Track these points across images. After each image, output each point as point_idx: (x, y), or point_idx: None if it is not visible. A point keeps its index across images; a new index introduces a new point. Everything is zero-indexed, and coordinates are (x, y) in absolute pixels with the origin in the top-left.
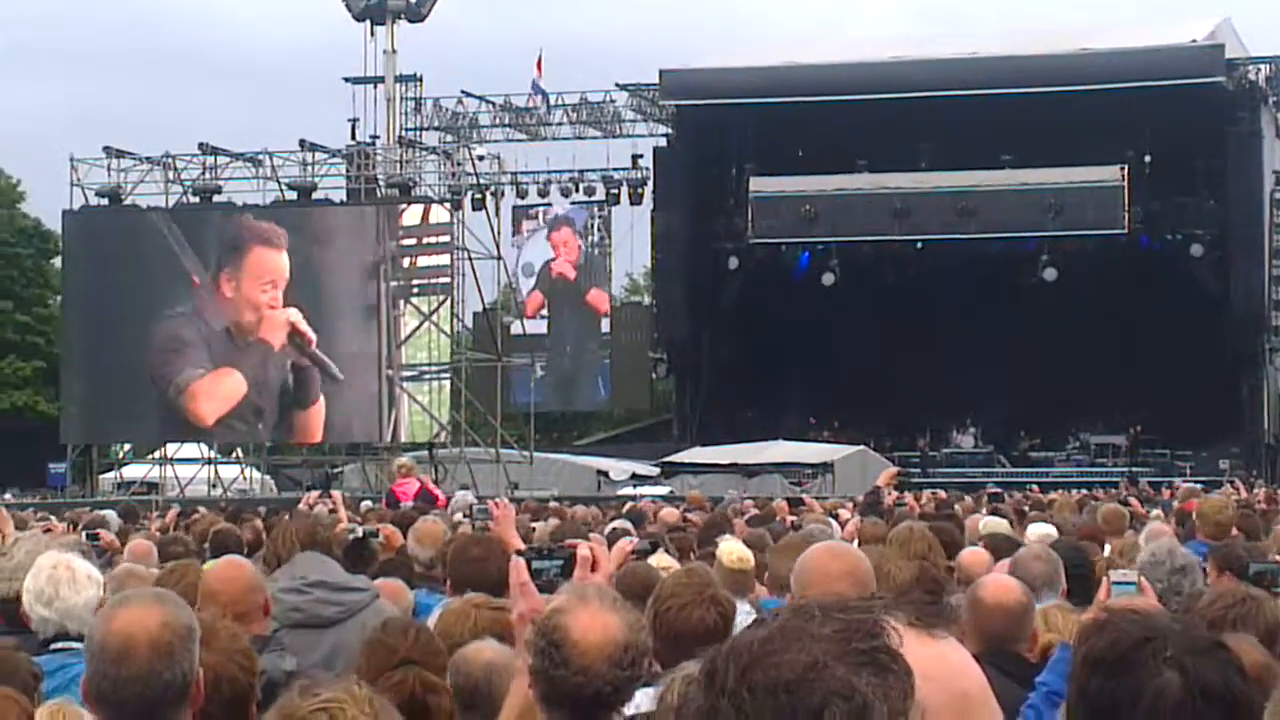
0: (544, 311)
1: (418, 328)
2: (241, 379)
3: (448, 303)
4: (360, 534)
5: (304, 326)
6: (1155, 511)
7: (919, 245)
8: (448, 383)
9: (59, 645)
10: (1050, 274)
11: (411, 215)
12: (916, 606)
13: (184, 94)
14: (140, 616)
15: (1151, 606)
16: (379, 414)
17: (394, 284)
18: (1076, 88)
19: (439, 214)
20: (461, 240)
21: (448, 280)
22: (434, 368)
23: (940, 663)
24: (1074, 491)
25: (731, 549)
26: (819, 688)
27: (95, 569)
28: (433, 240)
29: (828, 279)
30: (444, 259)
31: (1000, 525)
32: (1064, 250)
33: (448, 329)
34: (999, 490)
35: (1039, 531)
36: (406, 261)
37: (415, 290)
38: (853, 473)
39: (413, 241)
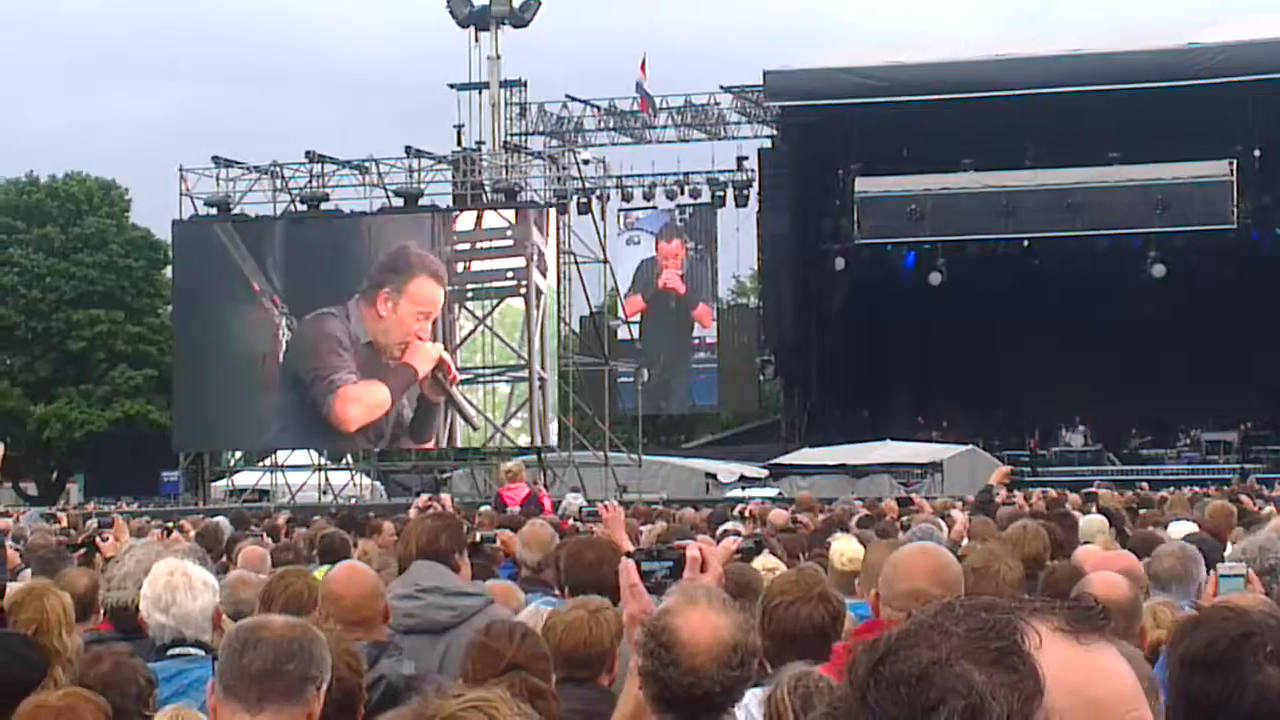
0: (639, 317)
1: (472, 331)
2: (388, 394)
3: (504, 306)
4: (476, 539)
5: (450, 363)
6: (1268, 508)
7: (1026, 243)
8: (504, 386)
9: (175, 651)
10: (1159, 270)
11: (465, 220)
12: (1070, 611)
13: (291, 103)
14: (271, 619)
15: (1257, 601)
16: (438, 417)
17: (449, 288)
18: (1184, 83)
19: (493, 219)
20: (568, 244)
21: (502, 284)
22: (489, 371)
23: (1079, 669)
24: (1185, 489)
25: (843, 549)
26: (938, 683)
27: (211, 575)
28: (486, 245)
29: (934, 278)
30: (499, 263)
31: (1100, 523)
32: (1172, 246)
33: (503, 332)
34: (1092, 490)
35: (1181, 529)
36: (461, 266)
37: (470, 294)
38: (962, 472)
39: (467, 246)
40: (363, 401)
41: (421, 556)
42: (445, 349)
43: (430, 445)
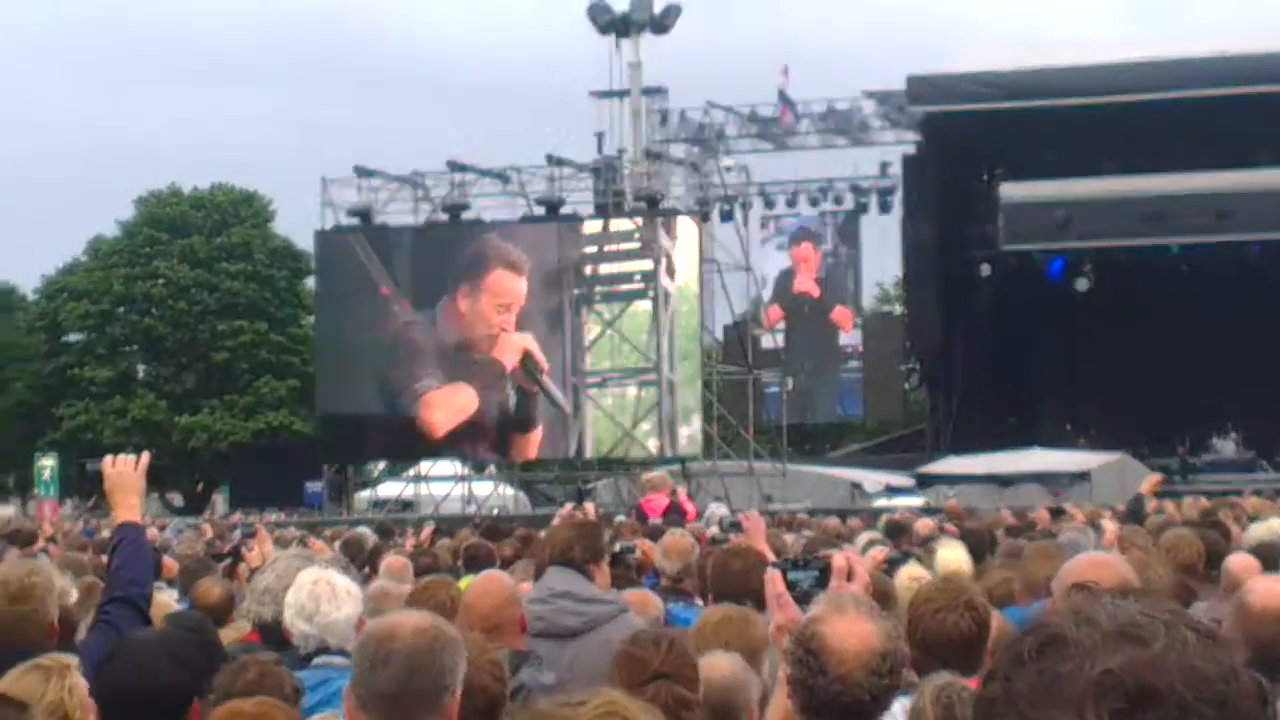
0: (781, 325)
1: (599, 335)
2: (474, 394)
3: (632, 309)
4: (616, 550)
5: (538, 353)
6: None
7: (1174, 249)
8: (633, 390)
9: (320, 660)
10: None
11: (593, 224)
12: None
13: (432, 112)
14: (404, 622)
15: None
16: (565, 422)
17: (576, 292)
18: None
19: (621, 223)
20: (711, 252)
21: (630, 287)
22: (616, 374)
23: None
24: None
25: (946, 557)
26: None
27: (355, 585)
28: (614, 248)
29: (1081, 284)
30: (627, 266)
31: (1260, 532)
32: None
33: (630, 336)
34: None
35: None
36: (589, 269)
37: (598, 297)
38: (1111, 481)
39: (594, 249)
40: (446, 406)
41: (555, 564)
42: (573, 353)
43: (537, 435)
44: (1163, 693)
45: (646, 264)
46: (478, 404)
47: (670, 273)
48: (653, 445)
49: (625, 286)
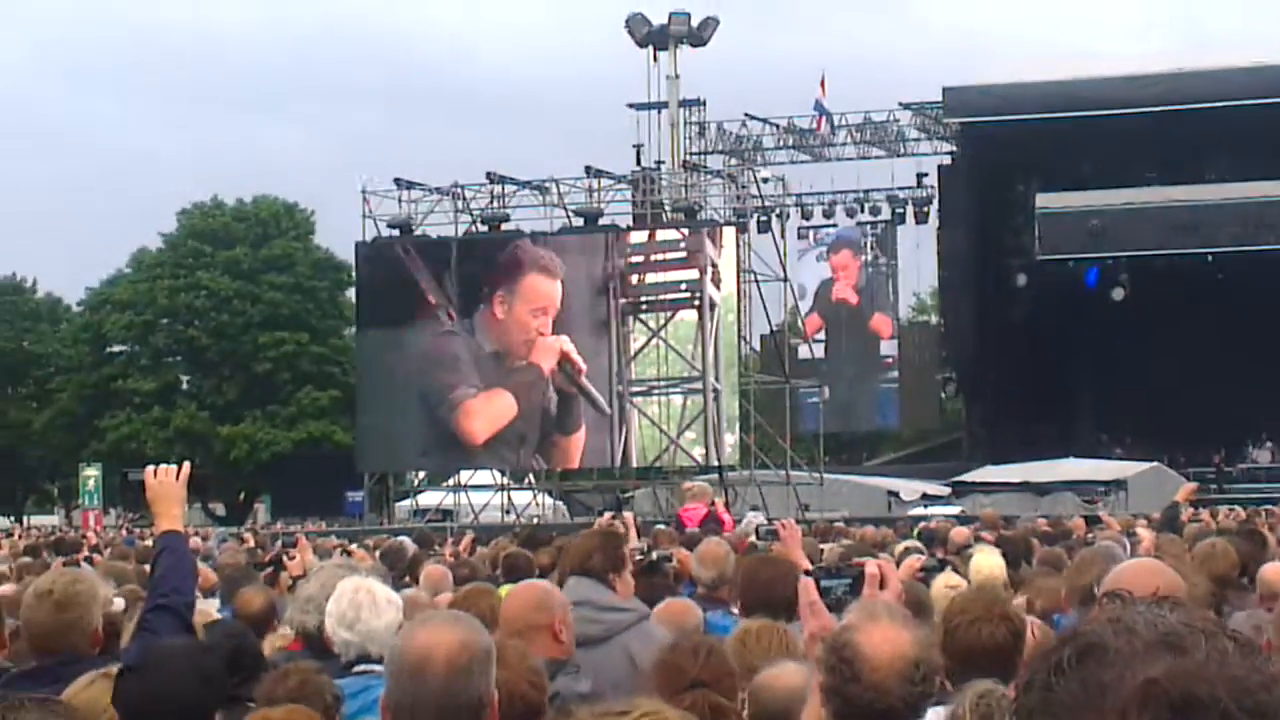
0: (821, 335)
1: (646, 344)
2: (512, 400)
3: (677, 318)
4: (653, 558)
5: (575, 356)
6: None
7: (1209, 258)
8: (678, 398)
9: (360, 668)
10: None
11: (639, 234)
12: None
13: (471, 126)
14: (439, 635)
15: None
16: (611, 430)
17: (623, 301)
18: None
19: (667, 232)
20: (748, 263)
21: (676, 296)
22: (663, 383)
23: None
24: None
25: (981, 564)
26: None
27: (395, 594)
28: (660, 257)
29: (1117, 294)
30: (673, 275)
31: None
32: None
33: (676, 344)
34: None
35: None
36: (635, 278)
37: (644, 307)
38: (1147, 489)
39: (640, 259)
40: (485, 413)
41: (575, 574)
42: (619, 361)
43: (579, 439)
44: (1205, 701)
45: (692, 273)
46: (517, 410)
47: (716, 281)
48: (698, 453)
49: (671, 295)
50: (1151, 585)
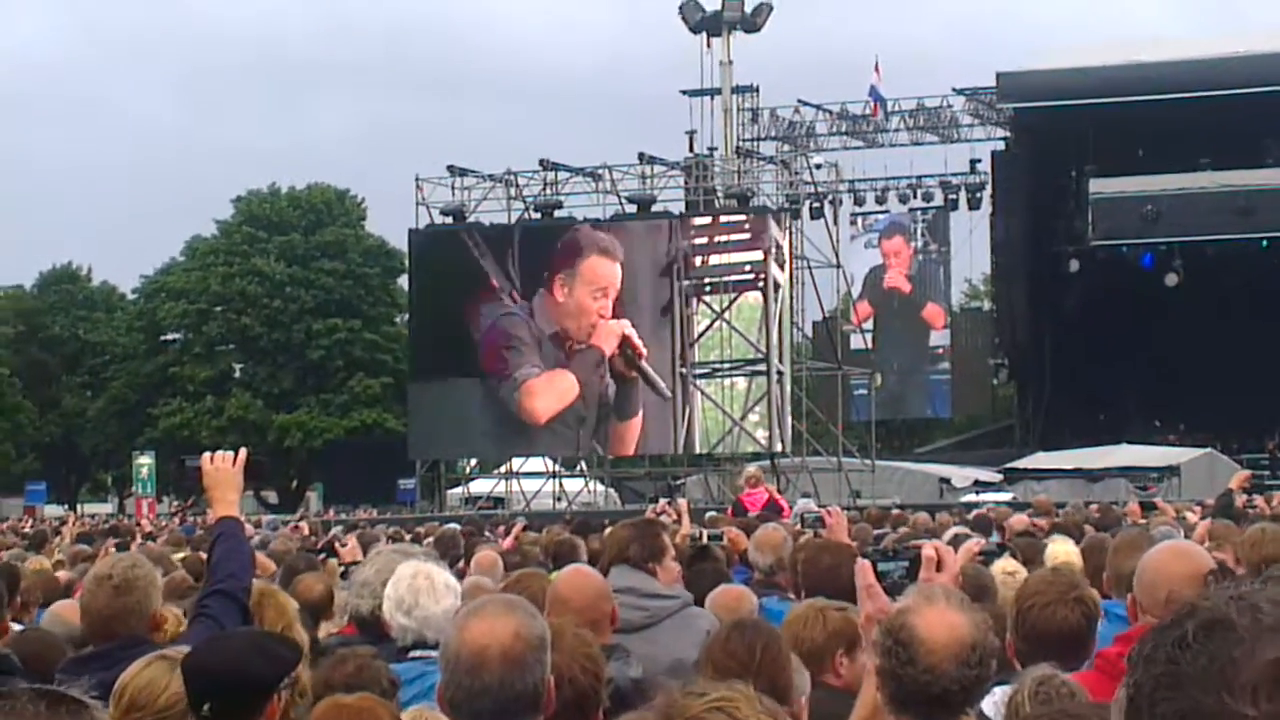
0: (869, 323)
1: (709, 326)
2: (575, 380)
3: (741, 300)
4: (705, 539)
5: (636, 339)
6: None
7: (1264, 244)
8: (741, 380)
9: (417, 654)
10: None
11: (702, 217)
12: None
13: (524, 113)
14: (494, 627)
15: None
16: (673, 414)
17: (686, 283)
18: None
19: (731, 215)
20: (801, 249)
21: (740, 277)
22: (726, 366)
23: None
24: None
25: (1057, 550)
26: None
27: (454, 579)
28: (723, 239)
29: (1171, 279)
30: (737, 256)
31: None
32: None
33: (740, 326)
34: None
35: None
36: (699, 260)
37: (708, 288)
38: (1199, 476)
39: (704, 241)
40: (548, 393)
41: (616, 564)
42: (682, 344)
43: (636, 425)
44: None
45: (756, 254)
46: (578, 390)
47: (780, 264)
48: (761, 436)
49: (735, 276)
50: (1185, 567)
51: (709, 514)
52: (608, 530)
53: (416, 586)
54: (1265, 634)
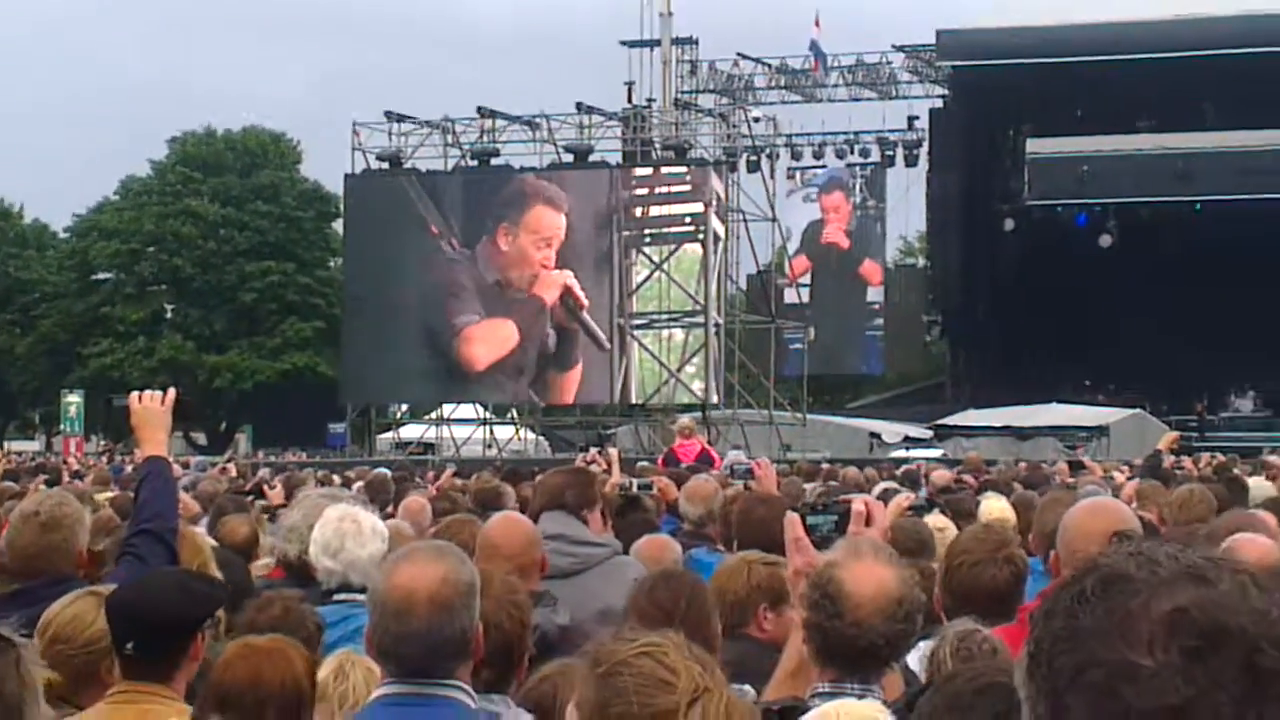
0: (806, 278)
1: (648, 277)
2: (515, 329)
3: (680, 252)
4: (634, 489)
5: (578, 290)
6: None
7: (1197, 207)
8: (679, 332)
9: (342, 596)
10: None
11: (643, 168)
12: None
13: (464, 60)
14: (422, 572)
15: None
16: (610, 365)
17: (625, 234)
18: None
19: (672, 166)
20: (737, 202)
21: (680, 229)
22: (664, 317)
23: None
24: None
25: (991, 507)
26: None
27: (381, 523)
28: (664, 190)
29: (1105, 241)
30: (677, 208)
31: (1265, 486)
32: None
33: (679, 278)
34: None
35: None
36: (639, 211)
37: (647, 239)
38: (1129, 436)
39: (645, 192)
40: (487, 340)
41: (548, 510)
42: (620, 294)
43: (575, 375)
44: (1233, 631)
45: (696, 206)
46: (518, 339)
47: (721, 216)
48: (697, 388)
49: (675, 229)
50: (1104, 524)
51: (640, 464)
52: (538, 477)
53: (343, 530)
54: (1162, 586)
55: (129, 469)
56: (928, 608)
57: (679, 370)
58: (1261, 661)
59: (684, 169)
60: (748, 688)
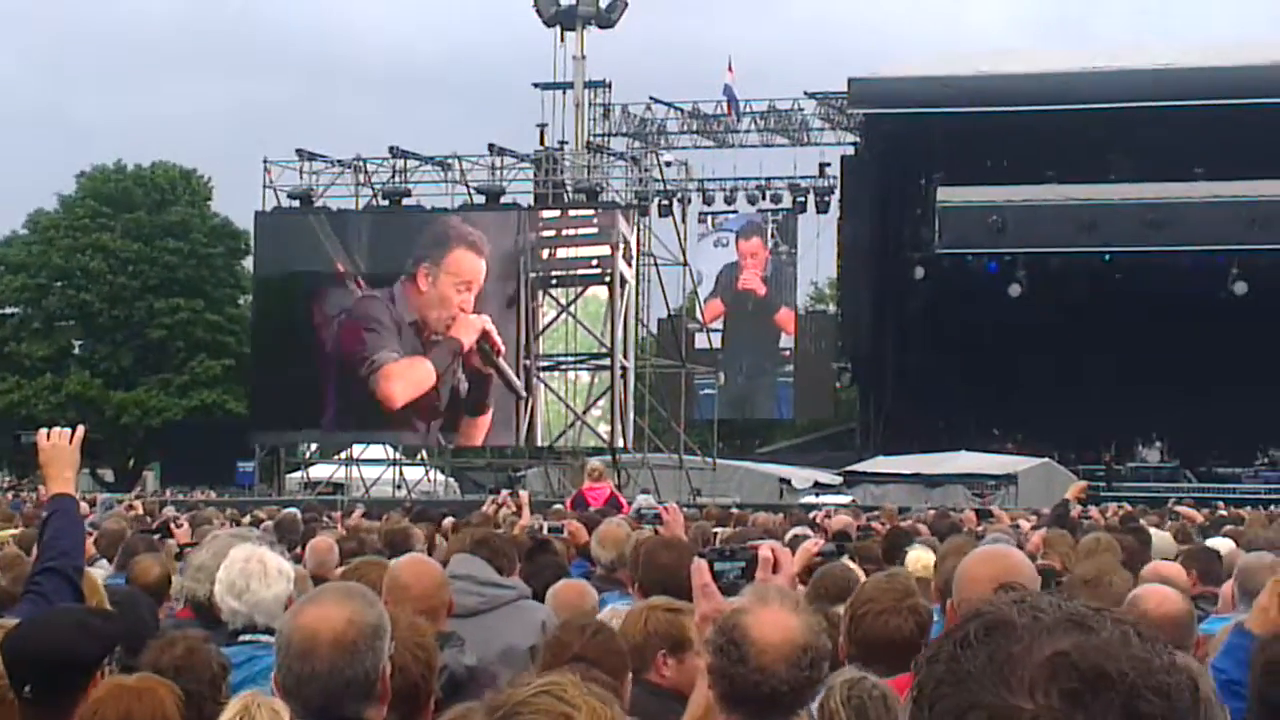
0: (718, 324)
1: (555, 319)
2: (432, 369)
3: (587, 294)
4: (545, 532)
5: (495, 335)
6: None
7: (1107, 257)
8: (585, 374)
9: (247, 638)
10: (1240, 288)
11: (551, 210)
12: None
13: (375, 100)
14: (327, 613)
15: None
16: (515, 406)
17: (533, 275)
18: (1274, 100)
19: (580, 209)
20: (649, 246)
21: (586, 271)
22: (570, 359)
23: None
24: (1263, 508)
25: (919, 556)
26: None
27: (287, 564)
28: (572, 233)
29: (1014, 290)
30: (584, 250)
31: (1168, 539)
32: (1256, 264)
33: (585, 320)
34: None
35: (1223, 546)
36: (546, 253)
37: (554, 281)
38: (1037, 485)
39: (552, 234)
40: (405, 378)
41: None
42: (527, 336)
43: (486, 420)
44: (1113, 676)
45: (604, 249)
46: (435, 380)
47: (628, 259)
48: (603, 430)
49: (582, 270)
50: (994, 572)
51: (554, 506)
52: (447, 518)
53: (248, 570)
54: (1044, 633)
55: (27, 506)
56: (833, 655)
57: (585, 413)
58: (1142, 708)
59: (591, 211)
60: None
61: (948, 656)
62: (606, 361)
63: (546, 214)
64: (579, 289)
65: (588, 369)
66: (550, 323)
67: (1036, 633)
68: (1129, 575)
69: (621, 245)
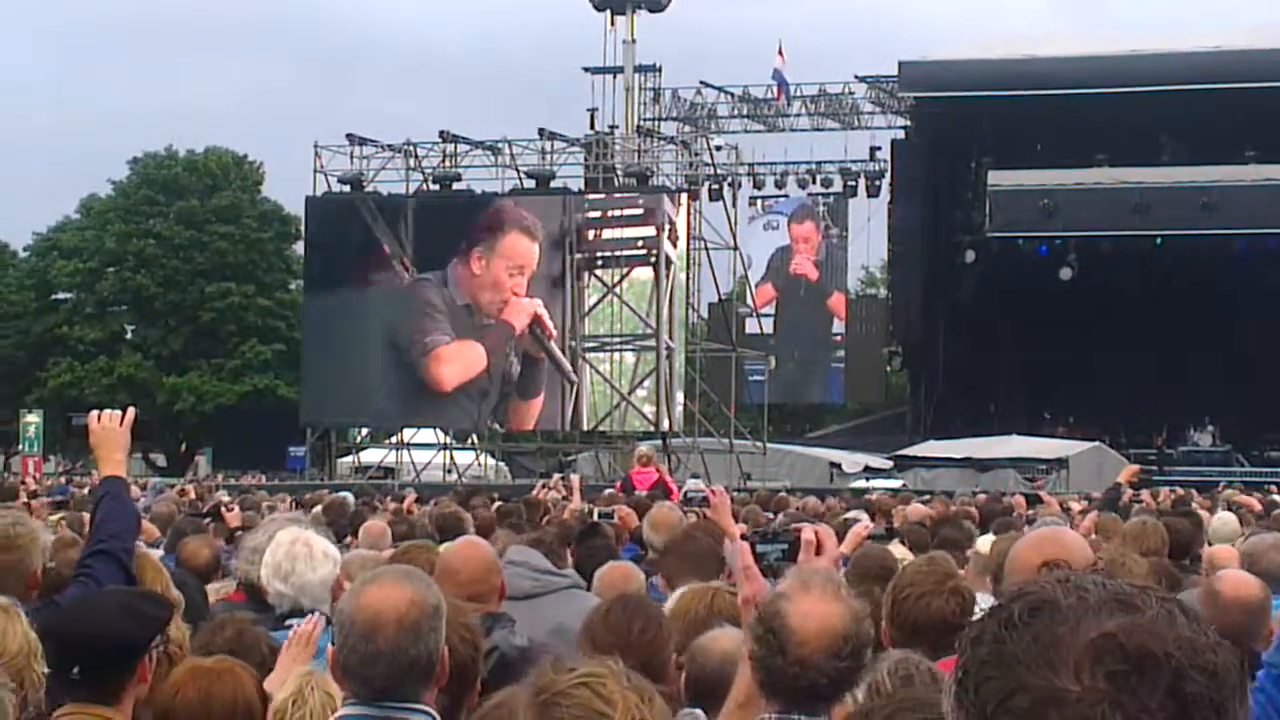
0: (771, 308)
1: (600, 300)
2: (484, 352)
3: (633, 275)
4: (595, 516)
5: (547, 319)
6: None
7: (1158, 241)
8: (630, 356)
9: (293, 621)
10: None
11: (597, 193)
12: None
13: (426, 85)
14: (390, 594)
15: None
16: (561, 389)
17: (578, 256)
18: None
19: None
20: (699, 230)
21: (632, 252)
22: (615, 340)
23: None
24: None
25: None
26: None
27: (333, 546)
28: (617, 214)
29: (1065, 273)
30: (630, 231)
31: (1232, 522)
32: None
33: (631, 301)
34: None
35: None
36: (592, 234)
37: (599, 262)
38: (1088, 469)
39: (598, 215)
40: (457, 361)
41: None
42: (573, 317)
43: (538, 404)
44: (1159, 657)
45: (649, 230)
46: (486, 363)
47: (673, 240)
48: (649, 411)
49: (627, 251)
50: (1040, 555)
51: (606, 491)
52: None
53: (294, 553)
54: (1089, 613)
55: (74, 490)
56: (876, 641)
57: (630, 394)
58: (1188, 688)
59: (638, 194)
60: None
61: (992, 638)
62: (651, 342)
63: (592, 196)
64: (624, 270)
65: (633, 349)
66: (595, 304)
67: (1082, 613)
68: (1145, 561)
69: (667, 227)
